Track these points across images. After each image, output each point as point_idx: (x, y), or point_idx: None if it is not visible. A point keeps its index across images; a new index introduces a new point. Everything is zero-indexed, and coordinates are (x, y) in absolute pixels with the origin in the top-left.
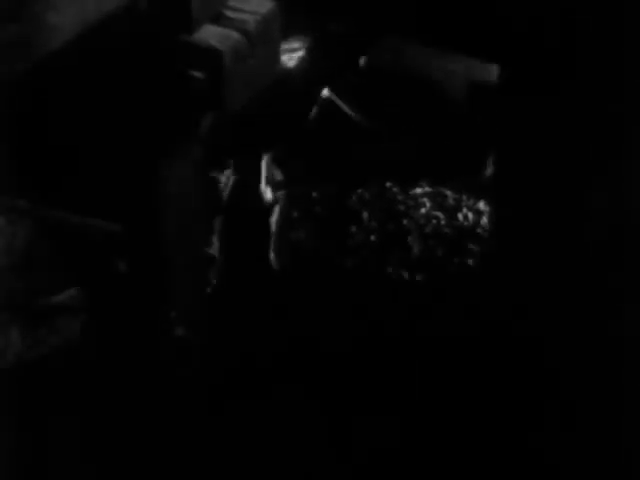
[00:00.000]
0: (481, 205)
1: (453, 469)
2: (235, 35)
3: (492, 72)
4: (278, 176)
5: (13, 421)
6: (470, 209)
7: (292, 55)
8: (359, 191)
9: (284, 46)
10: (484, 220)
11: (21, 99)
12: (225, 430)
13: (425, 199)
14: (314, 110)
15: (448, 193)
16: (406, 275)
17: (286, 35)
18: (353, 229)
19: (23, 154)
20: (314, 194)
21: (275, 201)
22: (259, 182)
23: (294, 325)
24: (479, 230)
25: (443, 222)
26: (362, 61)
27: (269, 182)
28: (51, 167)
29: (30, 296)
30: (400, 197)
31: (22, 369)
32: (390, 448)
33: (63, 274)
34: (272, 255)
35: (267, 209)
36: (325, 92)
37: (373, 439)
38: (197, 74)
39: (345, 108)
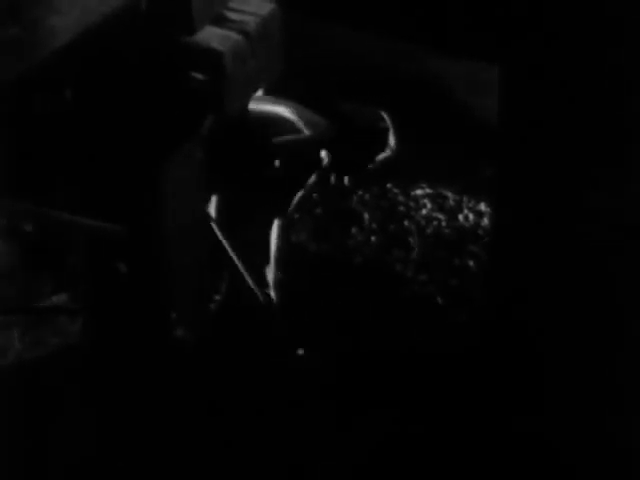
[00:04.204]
0: (482, 206)
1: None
2: (235, 36)
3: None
4: None
5: (13, 421)
6: (471, 210)
7: None
8: (360, 192)
9: None
10: (485, 221)
11: (21, 100)
12: (223, 431)
13: (426, 200)
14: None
15: (449, 194)
16: (407, 275)
17: None
18: (354, 230)
19: (23, 155)
20: (314, 195)
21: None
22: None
23: (294, 326)
24: (480, 231)
25: (444, 223)
26: None
27: None
28: (51, 168)
29: (30, 297)
30: (401, 198)
31: (22, 369)
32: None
33: (63, 275)
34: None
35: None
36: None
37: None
38: (197, 75)
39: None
